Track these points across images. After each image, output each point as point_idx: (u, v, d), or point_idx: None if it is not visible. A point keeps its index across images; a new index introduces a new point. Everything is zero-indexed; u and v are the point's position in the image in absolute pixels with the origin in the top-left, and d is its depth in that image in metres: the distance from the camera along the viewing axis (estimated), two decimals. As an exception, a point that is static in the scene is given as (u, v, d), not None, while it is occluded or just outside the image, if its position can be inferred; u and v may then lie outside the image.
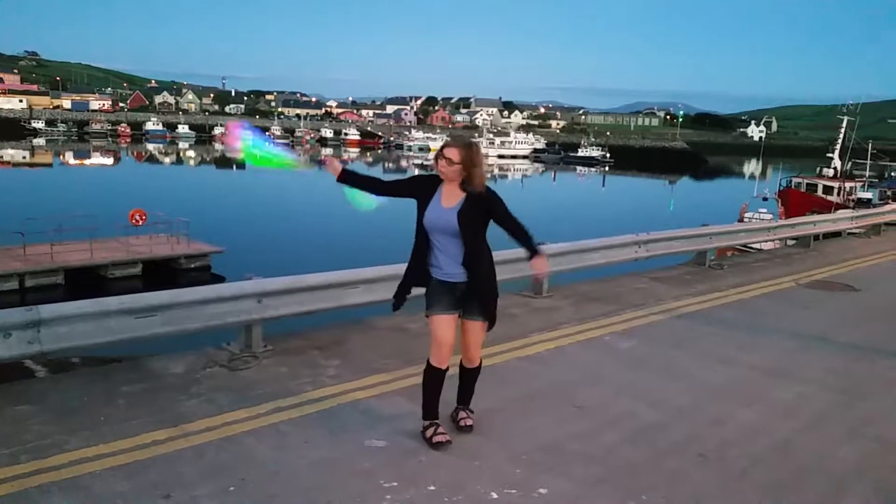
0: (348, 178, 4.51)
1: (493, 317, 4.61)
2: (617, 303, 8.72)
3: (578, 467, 4.41)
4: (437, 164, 4.34)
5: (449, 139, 4.56)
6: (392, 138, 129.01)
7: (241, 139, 4.55)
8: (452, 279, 4.45)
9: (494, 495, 4.03)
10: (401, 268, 7.16)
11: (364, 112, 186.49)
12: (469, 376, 4.82)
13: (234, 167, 71.32)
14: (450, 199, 4.37)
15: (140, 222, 22.98)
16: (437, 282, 4.48)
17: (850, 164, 42.58)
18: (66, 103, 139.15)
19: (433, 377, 4.56)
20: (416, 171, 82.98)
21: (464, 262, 4.41)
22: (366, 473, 4.20)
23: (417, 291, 4.64)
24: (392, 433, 4.75)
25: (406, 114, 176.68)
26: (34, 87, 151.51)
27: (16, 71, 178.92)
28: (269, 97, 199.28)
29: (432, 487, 4.08)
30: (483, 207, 4.37)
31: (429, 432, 4.60)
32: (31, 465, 4.12)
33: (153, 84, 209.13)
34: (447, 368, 4.54)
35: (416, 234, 4.49)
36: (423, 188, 4.45)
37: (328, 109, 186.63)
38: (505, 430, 4.88)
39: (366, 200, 4.54)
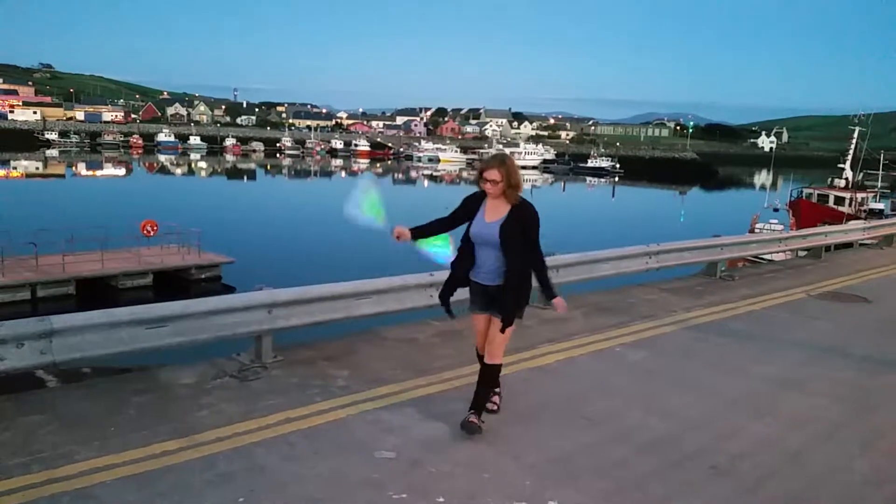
0: (419, 234, 4.94)
1: (509, 318, 4.81)
2: (628, 314, 8.69)
3: (589, 479, 4.38)
4: (482, 186, 4.77)
5: (484, 161, 4.99)
6: (402, 149, 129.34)
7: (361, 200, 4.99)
8: (486, 282, 4.86)
9: (504, 507, 4.01)
10: (410, 279, 7.20)
11: (374, 123, 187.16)
12: (485, 371, 4.99)
13: (245, 178, 71.67)
14: (493, 213, 4.78)
15: (151, 233, 23.10)
16: (475, 284, 4.94)
17: (861, 174, 42.34)
18: (80, 115, 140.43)
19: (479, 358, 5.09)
20: (426, 182, 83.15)
21: (499, 270, 4.78)
22: (375, 484, 4.20)
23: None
24: (401, 444, 4.74)
25: (416, 125, 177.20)
26: (48, 99, 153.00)
27: (30, 83, 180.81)
28: (280, 108, 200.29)
29: (441, 499, 4.06)
30: (521, 224, 4.73)
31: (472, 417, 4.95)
32: (42, 474, 4.14)
33: (165, 96, 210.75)
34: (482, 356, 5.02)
35: (463, 241, 4.91)
36: (472, 207, 4.88)
37: (338, 121, 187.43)
38: (515, 442, 4.86)
39: (439, 241, 5.04)
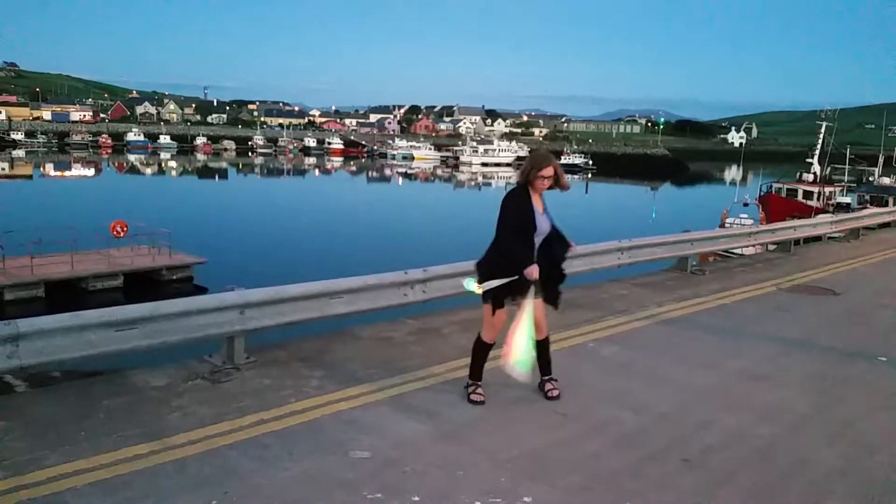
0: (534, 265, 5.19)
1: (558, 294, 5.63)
2: (600, 309, 8.75)
3: (563, 474, 4.41)
4: (534, 182, 5.17)
5: (536, 157, 5.33)
6: (376, 147, 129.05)
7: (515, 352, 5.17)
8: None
9: (479, 504, 4.02)
10: (383, 277, 7.19)
11: (347, 121, 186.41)
12: (546, 344, 5.59)
13: (217, 177, 70.95)
14: (539, 204, 5.27)
15: (121, 234, 22.81)
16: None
17: (829, 169, 43.07)
18: (47, 114, 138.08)
19: (485, 349, 5.49)
20: (401, 180, 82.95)
21: (551, 253, 5.35)
22: (350, 485, 4.18)
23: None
24: (376, 444, 4.73)
25: (389, 122, 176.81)
26: (13, 99, 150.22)
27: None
28: (251, 107, 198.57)
29: (416, 498, 4.06)
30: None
31: (470, 389, 5.51)
32: (10, 481, 4.07)
33: (134, 94, 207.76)
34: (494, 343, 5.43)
35: (510, 238, 5.16)
36: (525, 206, 5.20)
37: (311, 119, 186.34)
38: (489, 438, 4.88)
39: (527, 359, 5.19)
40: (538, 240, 5.26)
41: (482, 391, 5.48)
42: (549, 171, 5.15)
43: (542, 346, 5.49)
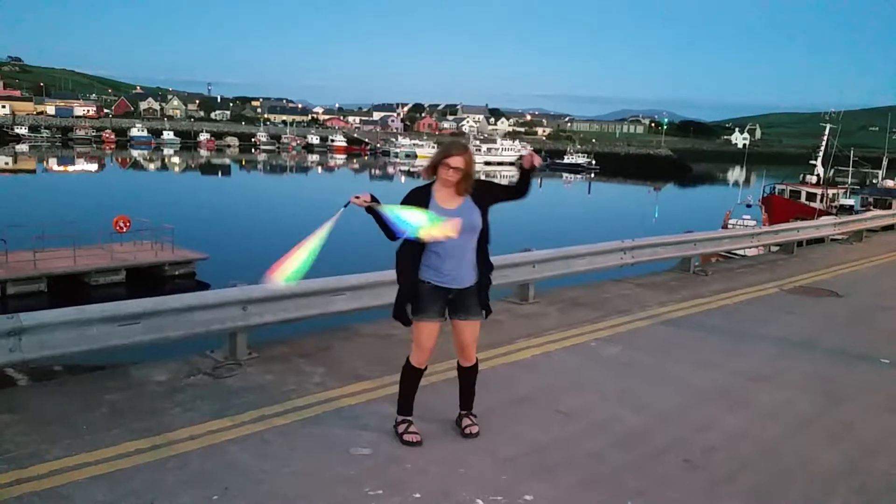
0: (374, 209, 4.25)
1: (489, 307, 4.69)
2: (602, 309, 8.75)
3: (564, 473, 4.41)
4: (442, 172, 4.32)
5: (447, 146, 4.45)
6: (379, 145, 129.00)
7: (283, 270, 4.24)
8: (449, 285, 4.45)
9: (480, 502, 4.02)
10: (386, 275, 7.18)
11: (350, 119, 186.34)
12: (469, 376, 4.83)
13: (220, 173, 70.95)
14: (449, 201, 4.38)
15: (124, 229, 22.83)
16: (431, 287, 4.46)
17: (832, 171, 42.98)
18: (50, 109, 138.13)
19: (413, 376, 4.69)
20: (403, 178, 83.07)
21: (474, 262, 4.49)
22: (351, 481, 4.18)
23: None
24: (377, 440, 4.73)
25: (393, 120, 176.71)
26: (17, 93, 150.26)
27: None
28: (254, 103, 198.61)
29: (418, 495, 4.06)
30: (484, 194, 4.44)
31: (401, 428, 4.71)
32: (12, 474, 4.07)
33: (138, 90, 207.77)
34: (426, 368, 4.68)
35: (405, 244, 4.40)
36: (419, 198, 4.39)
37: (314, 116, 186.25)
38: (490, 437, 4.87)
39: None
40: (441, 243, 4.30)
41: (416, 428, 4.69)
42: (456, 161, 4.25)
43: (464, 377, 4.82)
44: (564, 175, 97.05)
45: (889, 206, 33.28)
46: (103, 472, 4.14)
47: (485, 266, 4.56)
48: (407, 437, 4.65)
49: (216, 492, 3.99)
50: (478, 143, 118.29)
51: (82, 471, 4.15)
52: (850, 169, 45.78)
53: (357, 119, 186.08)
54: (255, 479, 4.17)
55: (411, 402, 4.74)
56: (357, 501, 3.97)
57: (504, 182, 4.55)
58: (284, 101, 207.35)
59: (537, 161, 4.46)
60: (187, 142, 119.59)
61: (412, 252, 4.43)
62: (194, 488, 4.02)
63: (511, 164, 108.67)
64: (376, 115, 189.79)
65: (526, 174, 4.44)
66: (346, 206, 4.18)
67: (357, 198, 4.21)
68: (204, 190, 59.21)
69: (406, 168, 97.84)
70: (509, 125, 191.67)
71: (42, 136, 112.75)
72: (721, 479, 4.43)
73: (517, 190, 4.51)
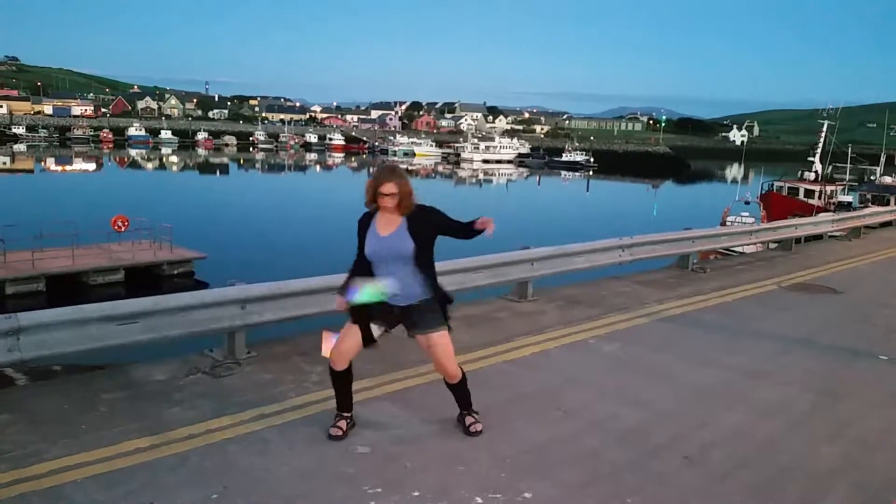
0: (349, 289, 4.57)
1: (447, 317, 4.72)
2: (601, 306, 8.75)
3: (563, 471, 4.41)
4: (378, 202, 4.47)
5: (378, 174, 4.56)
6: (377, 143, 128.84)
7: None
8: (395, 302, 4.56)
9: (479, 500, 4.02)
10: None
11: (348, 117, 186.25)
12: (456, 389, 4.85)
13: (218, 172, 70.85)
14: (387, 227, 4.51)
15: (122, 228, 22.79)
16: (380, 303, 4.56)
17: (830, 167, 43.01)
18: (48, 109, 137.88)
19: (333, 376, 4.75)
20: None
21: (416, 283, 4.53)
22: (350, 479, 4.19)
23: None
24: (376, 439, 4.74)
25: (391, 119, 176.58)
26: (14, 93, 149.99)
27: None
28: (252, 102, 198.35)
29: (416, 493, 4.07)
30: (426, 222, 4.52)
31: (333, 422, 4.79)
32: (11, 474, 4.07)
33: (136, 89, 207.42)
34: (347, 369, 4.72)
35: (357, 263, 4.65)
36: (363, 227, 4.61)
37: (312, 114, 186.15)
38: (489, 434, 4.87)
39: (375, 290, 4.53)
40: (383, 266, 4.50)
41: (343, 424, 4.76)
42: (387, 188, 4.39)
43: (452, 390, 4.86)
44: (563, 173, 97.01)
45: (887, 203, 33.35)
46: (102, 472, 4.15)
47: (425, 286, 4.57)
48: (330, 430, 4.72)
49: (215, 491, 4.00)
50: (476, 140, 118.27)
51: (81, 470, 4.15)
52: (849, 165, 45.84)
53: (355, 117, 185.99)
54: (255, 477, 4.17)
55: (342, 399, 4.80)
56: (356, 500, 3.97)
57: (455, 220, 4.59)
58: (282, 100, 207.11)
59: (489, 231, 4.51)
60: (185, 141, 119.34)
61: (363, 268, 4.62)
62: (193, 487, 4.02)
63: (509, 161, 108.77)
64: (374, 114, 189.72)
65: (476, 233, 4.53)
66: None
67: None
68: (202, 189, 59.16)
69: (404, 166, 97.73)
70: (507, 123, 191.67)
71: (39, 136, 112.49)
72: (720, 476, 4.44)
73: (463, 234, 4.58)
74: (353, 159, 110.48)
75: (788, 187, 38.53)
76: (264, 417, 5.01)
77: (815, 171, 40.53)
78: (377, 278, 4.54)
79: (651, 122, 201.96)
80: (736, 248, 16.71)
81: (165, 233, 23.33)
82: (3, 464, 4.19)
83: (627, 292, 9.66)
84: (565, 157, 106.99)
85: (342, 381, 4.76)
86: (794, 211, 29.77)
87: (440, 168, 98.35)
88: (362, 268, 4.60)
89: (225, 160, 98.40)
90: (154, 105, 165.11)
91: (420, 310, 4.59)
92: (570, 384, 5.98)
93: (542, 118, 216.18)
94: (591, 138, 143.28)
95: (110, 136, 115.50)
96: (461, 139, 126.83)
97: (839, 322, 8.67)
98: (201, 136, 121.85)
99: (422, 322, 4.62)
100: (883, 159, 50.24)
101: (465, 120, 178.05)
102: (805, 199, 36.13)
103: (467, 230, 4.55)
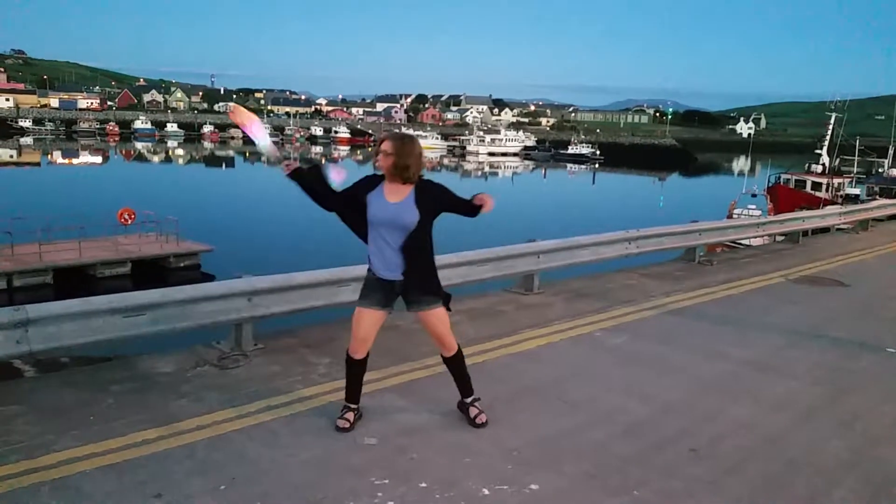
0: (299, 174, 4.53)
1: (447, 295, 4.74)
2: (607, 299, 8.74)
3: (570, 463, 4.41)
4: (378, 159, 4.48)
5: (385, 133, 4.60)
6: (382, 136, 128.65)
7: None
8: (391, 277, 4.56)
9: (486, 491, 4.03)
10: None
11: (354, 110, 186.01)
12: (453, 364, 4.87)
13: (223, 165, 70.88)
14: (395, 194, 4.48)
15: (129, 221, 22.87)
16: (375, 278, 4.61)
17: (838, 160, 42.87)
18: (54, 102, 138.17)
19: (350, 366, 4.77)
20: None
21: (407, 256, 4.51)
22: (357, 471, 4.20)
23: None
24: (384, 430, 4.74)
25: (396, 112, 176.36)
26: (21, 86, 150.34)
27: (2, 69, 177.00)
28: (258, 95, 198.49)
29: (424, 484, 4.07)
30: (432, 199, 4.52)
31: (339, 413, 4.80)
32: (21, 465, 4.10)
33: (142, 82, 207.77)
34: (364, 358, 4.73)
35: (331, 193, 4.60)
36: (367, 184, 4.57)
37: (318, 107, 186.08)
38: (496, 427, 4.88)
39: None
40: (382, 233, 4.51)
41: (350, 416, 4.77)
42: (385, 146, 4.44)
43: (450, 366, 4.86)
44: (569, 166, 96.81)
45: (895, 196, 33.18)
46: (111, 463, 4.16)
47: (419, 260, 4.56)
48: (337, 422, 4.73)
49: (224, 482, 4.01)
50: (481, 133, 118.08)
51: (90, 461, 4.17)
52: (856, 158, 45.65)
53: (360, 110, 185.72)
54: (262, 468, 4.19)
55: (352, 391, 4.81)
56: (363, 490, 3.98)
57: (462, 197, 4.62)
58: (288, 93, 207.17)
59: (488, 207, 4.56)
60: (191, 134, 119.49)
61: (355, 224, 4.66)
62: (202, 478, 4.04)
63: (515, 154, 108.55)
64: (380, 107, 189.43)
65: (476, 209, 4.58)
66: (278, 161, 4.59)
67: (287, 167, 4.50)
68: (208, 182, 59.25)
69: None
70: (513, 116, 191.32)
71: (46, 129, 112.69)
72: (727, 469, 4.43)
73: (465, 210, 4.62)
74: (358, 152, 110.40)
75: (795, 180, 38.43)
76: (272, 409, 5.02)
77: (823, 164, 40.41)
78: (371, 250, 4.59)
79: (658, 114, 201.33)
80: (742, 241, 16.68)
81: (172, 226, 23.42)
82: (12, 455, 4.21)
83: (634, 285, 9.64)
84: (571, 150, 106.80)
85: (358, 371, 4.77)
86: (801, 203, 29.68)
87: (446, 161, 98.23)
88: (329, 194, 4.56)
89: (231, 153, 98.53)
90: (160, 98, 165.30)
91: (414, 285, 4.59)
92: (577, 377, 5.97)
93: (548, 111, 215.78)
94: (598, 131, 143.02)
95: (116, 129, 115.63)
96: (466, 132, 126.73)
97: (846, 315, 8.64)
98: (207, 129, 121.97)
99: (419, 299, 4.63)
100: (891, 152, 50.00)
101: (471, 113, 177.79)
102: (812, 192, 36.04)
103: (469, 206, 4.58)
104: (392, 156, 4.41)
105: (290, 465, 4.24)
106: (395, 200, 4.47)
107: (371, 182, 4.58)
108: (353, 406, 4.82)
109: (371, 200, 4.51)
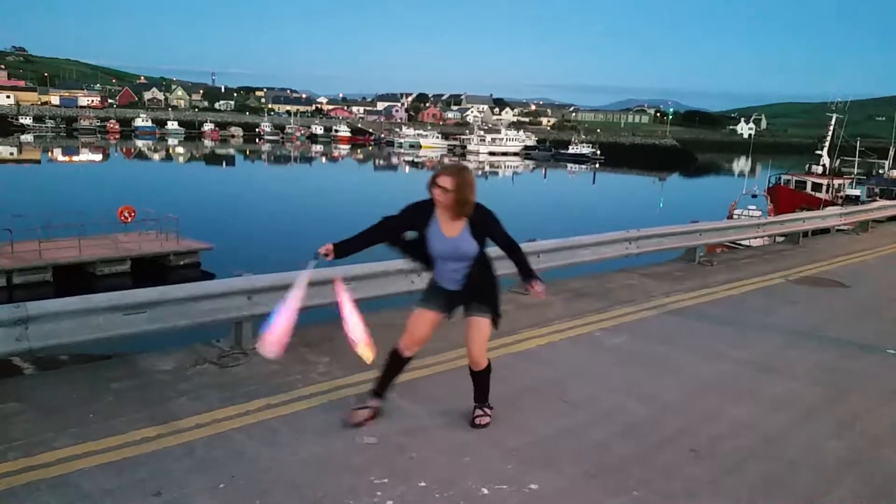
0: (345, 250, 4.52)
1: (498, 315, 4.73)
2: (607, 299, 8.74)
3: (569, 463, 4.41)
4: (432, 191, 4.44)
5: (441, 167, 4.60)
6: (383, 135, 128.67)
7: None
8: (456, 288, 4.65)
9: (485, 491, 4.03)
10: (389, 265, 7.19)
11: (354, 109, 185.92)
12: (477, 378, 4.87)
13: (224, 164, 70.86)
14: (451, 228, 4.49)
15: (129, 219, 22.84)
16: (440, 287, 4.74)
17: (838, 161, 42.85)
18: (55, 99, 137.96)
19: (394, 360, 4.86)
20: (407, 168, 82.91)
21: (470, 279, 4.59)
22: (357, 469, 4.19)
23: None
24: (383, 430, 4.74)
25: (397, 110, 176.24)
26: (21, 83, 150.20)
27: (3, 67, 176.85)
28: (259, 93, 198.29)
29: (423, 483, 4.07)
30: (484, 230, 4.53)
31: (358, 405, 4.89)
32: (19, 462, 4.09)
33: (142, 80, 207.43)
34: (410, 358, 4.86)
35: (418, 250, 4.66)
36: (418, 216, 4.55)
37: (318, 106, 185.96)
38: (496, 426, 4.87)
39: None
40: (445, 262, 4.60)
41: (367, 413, 4.84)
42: (443, 181, 4.35)
43: (474, 378, 4.87)
44: (569, 165, 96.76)
45: (895, 197, 33.17)
46: (110, 461, 4.16)
47: (483, 278, 4.62)
48: (352, 415, 4.80)
49: (223, 480, 4.01)
50: (482, 133, 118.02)
51: (89, 459, 4.17)
52: (857, 159, 45.64)
53: (361, 109, 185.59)
54: (262, 466, 4.18)
55: (386, 383, 4.89)
56: (363, 489, 3.98)
57: (509, 236, 4.65)
58: (288, 91, 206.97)
59: (535, 295, 4.65)
60: (191, 132, 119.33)
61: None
62: (201, 476, 4.04)
63: (515, 154, 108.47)
64: (380, 105, 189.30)
65: (524, 273, 4.65)
66: (315, 258, 4.47)
67: (323, 249, 4.45)
68: (208, 180, 59.22)
69: (410, 158, 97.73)
70: (514, 115, 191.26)
71: (46, 127, 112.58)
72: (727, 469, 4.43)
73: (511, 257, 4.67)
74: (358, 151, 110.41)
75: (796, 181, 38.41)
76: (271, 407, 5.02)
77: (823, 165, 40.39)
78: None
79: (658, 114, 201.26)
80: (743, 242, 16.68)
81: (172, 224, 23.37)
82: (11, 452, 4.21)
83: (634, 285, 9.64)
84: (571, 150, 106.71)
85: (401, 367, 4.88)
86: (801, 204, 29.69)
87: (446, 160, 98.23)
88: (393, 233, 4.63)
89: (231, 151, 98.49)
90: (160, 96, 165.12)
91: (471, 294, 4.64)
92: (577, 377, 5.97)
93: (549, 110, 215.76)
94: (598, 131, 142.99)
95: (117, 126, 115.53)
96: (467, 131, 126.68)
97: (847, 316, 8.64)
98: (207, 127, 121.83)
99: (472, 306, 4.67)
100: (891, 153, 49.98)
101: (472, 112, 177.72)
102: (812, 193, 36.03)
103: (526, 269, 4.65)
104: (452, 192, 4.37)
105: (289, 464, 4.24)
106: (452, 235, 4.50)
107: (423, 213, 4.55)
108: (380, 395, 4.90)
109: (430, 236, 4.53)
